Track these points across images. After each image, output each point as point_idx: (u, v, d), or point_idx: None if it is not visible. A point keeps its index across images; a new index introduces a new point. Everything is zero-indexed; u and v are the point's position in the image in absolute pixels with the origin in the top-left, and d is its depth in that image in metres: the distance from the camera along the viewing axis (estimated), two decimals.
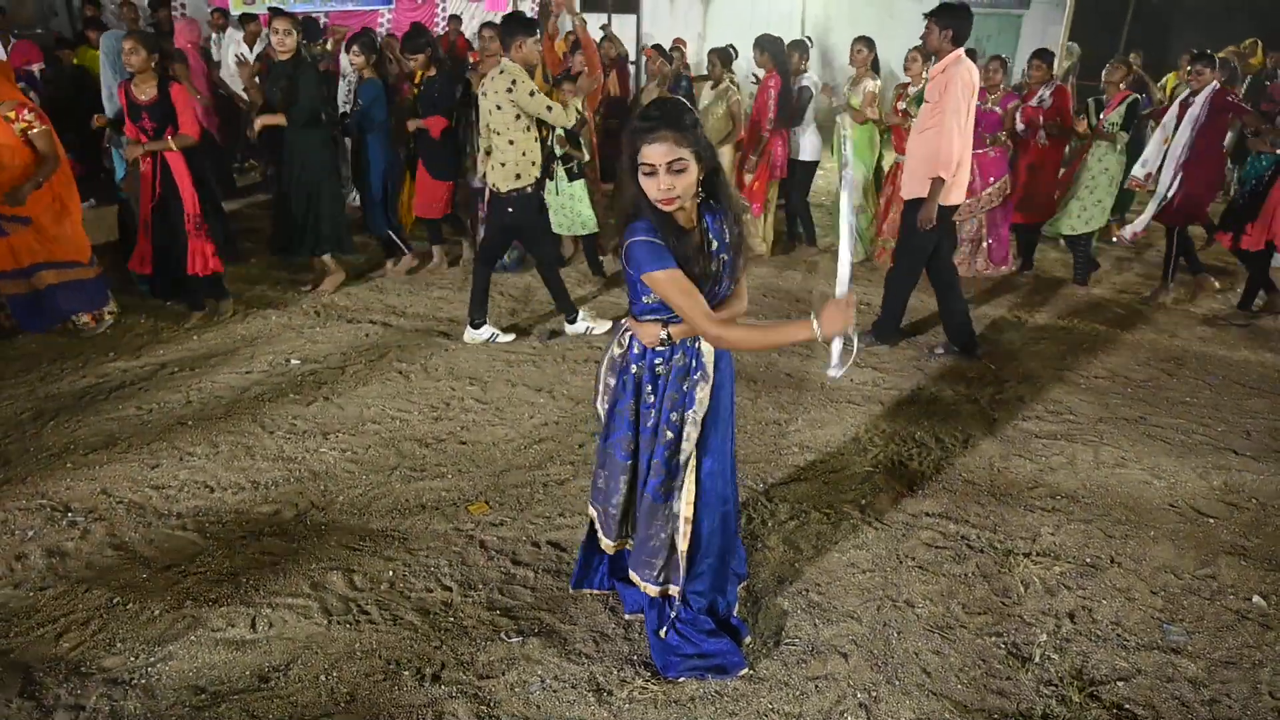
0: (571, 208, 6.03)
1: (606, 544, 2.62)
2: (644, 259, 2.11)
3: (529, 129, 4.67)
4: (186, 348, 4.87)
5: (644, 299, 2.25)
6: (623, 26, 12.70)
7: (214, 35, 9.89)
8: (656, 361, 2.34)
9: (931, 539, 3.23)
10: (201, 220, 5.03)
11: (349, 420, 4.05)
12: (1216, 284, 6.27)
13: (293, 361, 4.70)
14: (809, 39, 7.48)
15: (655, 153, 2.02)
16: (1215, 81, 5.64)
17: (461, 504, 3.40)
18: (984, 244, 6.52)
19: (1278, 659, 2.66)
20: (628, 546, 2.64)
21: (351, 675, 2.50)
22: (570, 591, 2.86)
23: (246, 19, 9.56)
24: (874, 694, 2.49)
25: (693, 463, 2.39)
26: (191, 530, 3.18)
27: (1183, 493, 3.60)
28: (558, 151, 5.81)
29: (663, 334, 2.28)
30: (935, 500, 3.50)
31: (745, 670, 2.54)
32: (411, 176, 6.27)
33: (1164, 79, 9.94)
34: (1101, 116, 6.31)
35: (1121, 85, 6.29)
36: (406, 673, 2.52)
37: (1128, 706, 2.47)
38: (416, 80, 5.86)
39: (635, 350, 2.36)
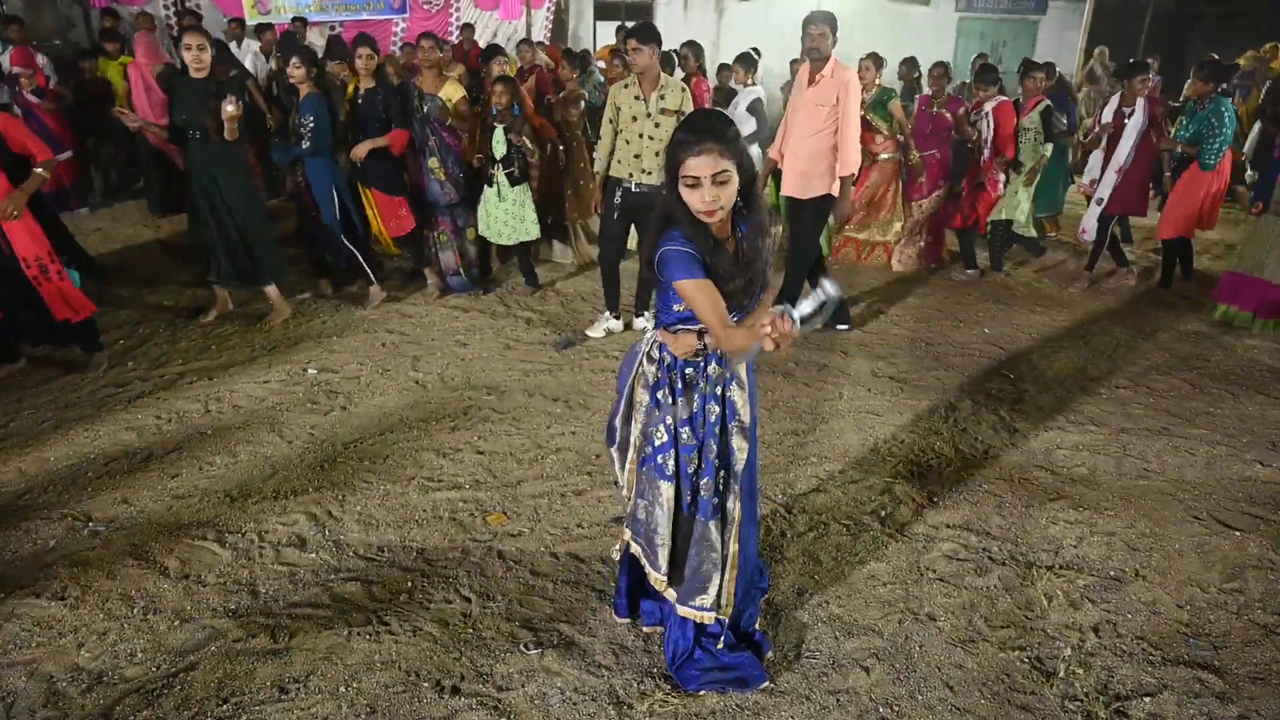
0: (514, 213, 5.84)
1: (658, 580, 2.46)
2: (676, 267, 2.11)
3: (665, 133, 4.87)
4: (205, 358, 4.90)
5: (675, 307, 2.24)
6: None
7: (231, 45, 9.95)
8: (688, 371, 2.32)
9: (953, 551, 3.20)
10: (49, 260, 4.30)
11: (366, 430, 4.06)
12: (1132, 281, 6.61)
13: (310, 371, 4.72)
14: (756, 51, 7.64)
15: (701, 165, 2.03)
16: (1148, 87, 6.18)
17: (479, 514, 3.40)
18: (921, 241, 6.83)
19: None
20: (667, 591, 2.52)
21: (371, 686, 2.50)
22: (619, 620, 2.77)
23: (262, 29, 9.65)
24: (896, 708, 2.46)
25: (739, 472, 2.38)
26: (211, 540, 3.19)
27: (1208, 504, 3.55)
28: (497, 155, 5.69)
29: (699, 344, 2.25)
30: (956, 512, 3.47)
31: (766, 684, 2.52)
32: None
33: (1186, 86, 9.87)
34: (1019, 117, 6.58)
35: (1040, 91, 6.57)
36: (425, 684, 2.51)
37: None
38: (349, 93, 5.56)
39: (666, 362, 2.33)
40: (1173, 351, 5.24)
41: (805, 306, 1.88)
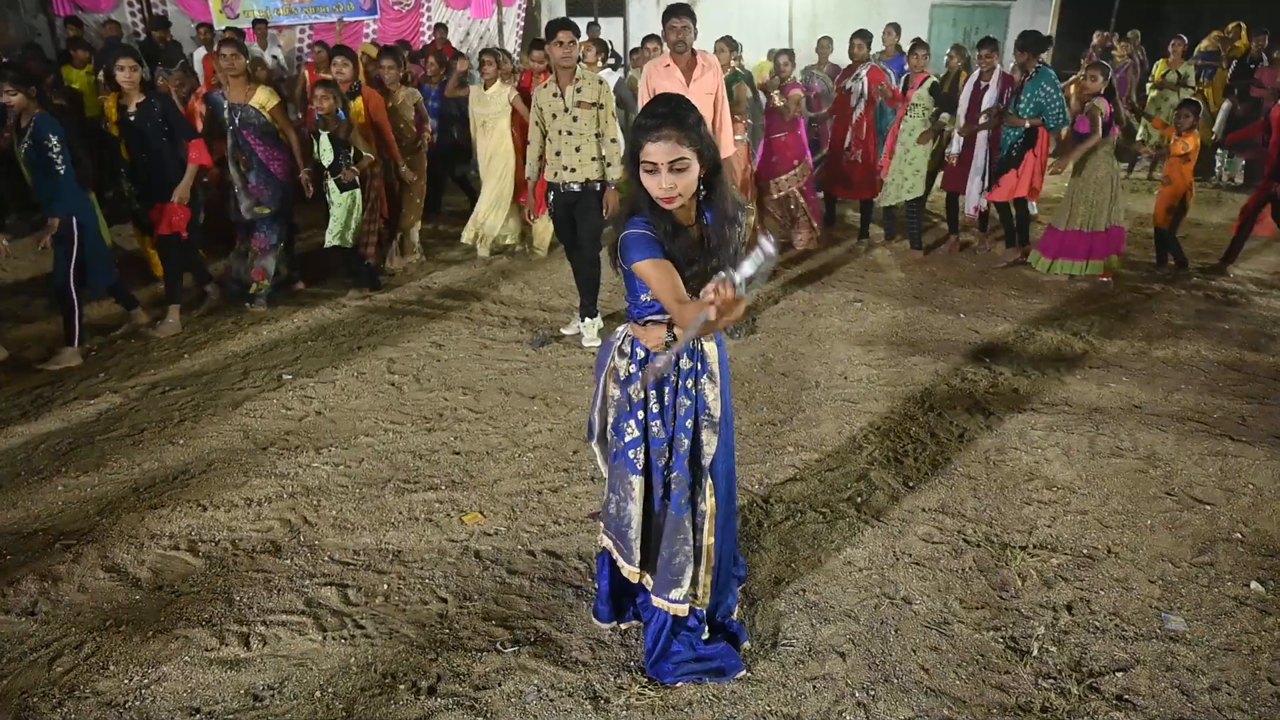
0: (337, 218, 5.69)
1: (630, 571, 2.48)
2: (633, 249, 2.09)
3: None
4: (177, 366, 4.86)
5: (642, 297, 2.22)
6: (610, 28, 12.70)
7: (201, 49, 9.89)
8: (665, 363, 2.30)
9: (928, 534, 3.21)
10: None
11: (341, 434, 4.04)
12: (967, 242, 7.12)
13: (285, 377, 4.69)
14: (610, 43, 7.76)
15: (658, 151, 2.00)
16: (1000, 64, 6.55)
17: (456, 515, 3.38)
18: (799, 219, 7.05)
19: (1277, 645, 2.65)
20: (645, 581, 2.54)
21: (347, 691, 2.49)
22: (602, 625, 2.72)
23: (231, 33, 9.56)
24: (872, 693, 2.47)
25: (709, 467, 2.36)
26: (184, 549, 3.17)
27: (1180, 480, 3.59)
28: (324, 161, 5.54)
29: (667, 336, 2.22)
30: (931, 495, 3.48)
31: (743, 673, 2.52)
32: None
33: (1153, 66, 9.94)
34: (907, 93, 6.85)
35: (925, 68, 6.88)
36: (402, 686, 2.50)
37: (1127, 697, 2.45)
38: (112, 112, 5.18)
39: (639, 356, 2.31)
40: (1146, 331, 5.29)
41: (745, 268, 1.75)
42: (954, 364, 4.80)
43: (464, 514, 3.39)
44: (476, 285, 6.30)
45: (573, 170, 4.79)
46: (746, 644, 2.64)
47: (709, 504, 2.39)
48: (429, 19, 12.39)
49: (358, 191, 5.71)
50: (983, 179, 6.71)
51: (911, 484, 3.57)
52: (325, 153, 5.53)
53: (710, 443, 2.35)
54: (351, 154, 5.62)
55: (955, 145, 6.78)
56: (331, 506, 3.44)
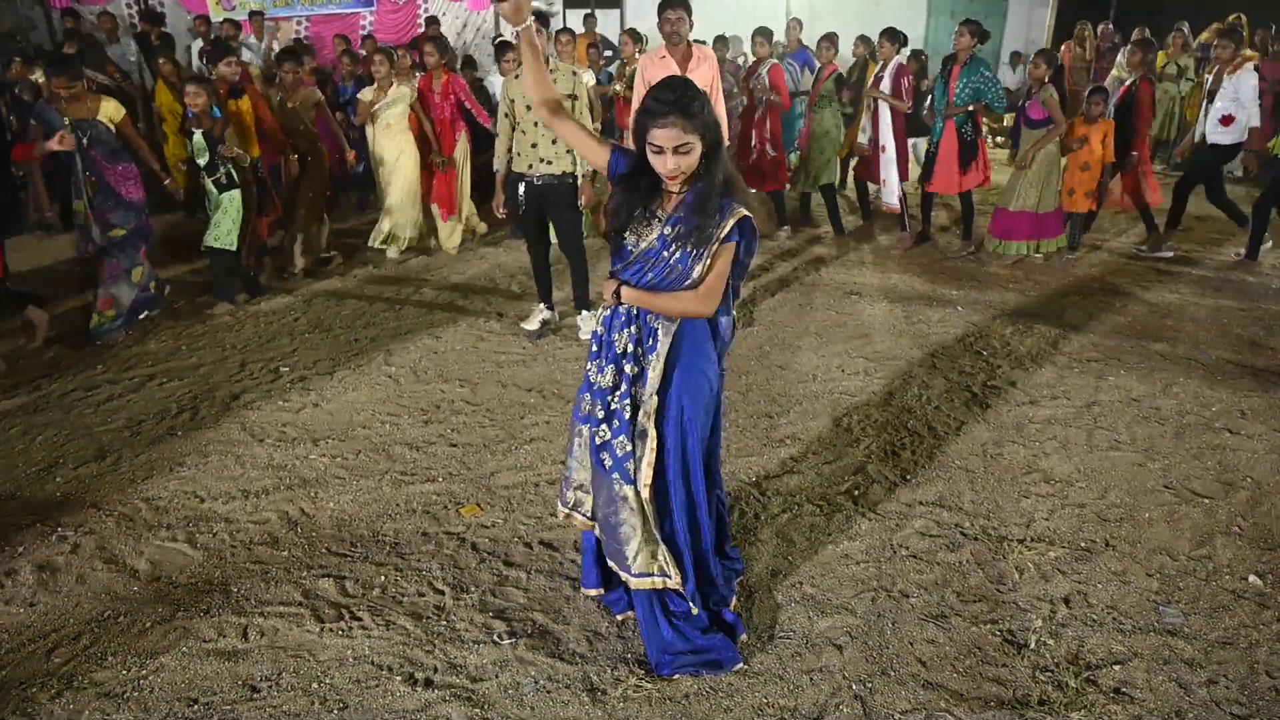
0: (216, 219, 5.41)
1: (561, 511, 2.63)
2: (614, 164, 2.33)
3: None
4: (175, 358, 4.85)
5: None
6: (606, 20, 12.66)
7: (198, 42, 9.85)
8: (615, 323, 2.37)
9: (925, 528, 3.21)
10: None
11: (338, 426, 4.03)
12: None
13: (282, 369, 4.68)
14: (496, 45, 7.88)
15: (664, 136, 2.12)
16: (898, 56, 6.69)
17: (453, 507, 3.38)
18: None
19: (1274, 638, 2.65)
20: (594, 530, 2.60)
21: (343, 682, 2.49)
22: (588, 592, 2.79)
23: (227, 25, 9.52)
24: (869, 685, 2.47)
25: (651, 441, 2.34)
26: (182, 541, 3.16)
27: (1178, 473, 3.59)
28: (200, 161, 5.31)
29: (613, 289, 2.32)
30: (929, 489, 3.48)
31: (740, 665, 2.52)
32: None
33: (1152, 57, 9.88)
34: (816, 85, 7.13)
35: (833, 60, 7.16)
36: (399, 678, 2.50)
37: (1124, 690, 2.46)
38: None
39: (606, 313, 2.42)
40: (1144, 324, 5.28)
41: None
42: (951, 357, 4.80)
43: (461, 506, 3.39)
44: (472, 278, 6.29)
45: (549, 162, 4.76)
46: (744, 636, 2.64)
47: (642, 487, 2.36)
48: (425, 10, 12.34)
49: (238, 192, 5.41)
50: (898, 169, 6.81)
51: (908, 477, 3.57)
52: (200, 152, 5.28)
53: (647, 414, 2.34)
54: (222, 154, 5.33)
55: (864, 135, 6.94)
56: (329, 498, 3.44)
